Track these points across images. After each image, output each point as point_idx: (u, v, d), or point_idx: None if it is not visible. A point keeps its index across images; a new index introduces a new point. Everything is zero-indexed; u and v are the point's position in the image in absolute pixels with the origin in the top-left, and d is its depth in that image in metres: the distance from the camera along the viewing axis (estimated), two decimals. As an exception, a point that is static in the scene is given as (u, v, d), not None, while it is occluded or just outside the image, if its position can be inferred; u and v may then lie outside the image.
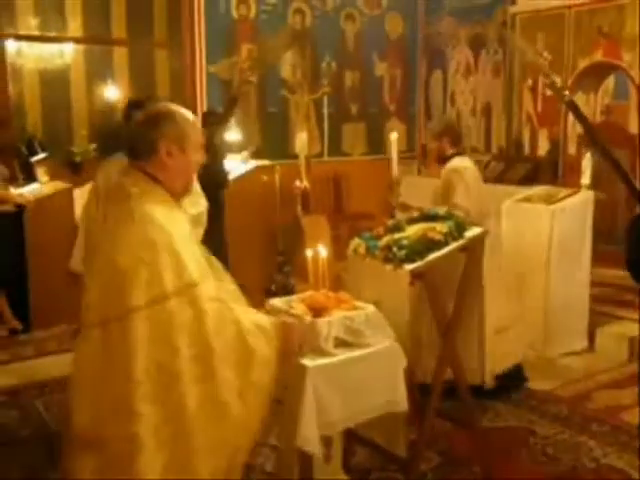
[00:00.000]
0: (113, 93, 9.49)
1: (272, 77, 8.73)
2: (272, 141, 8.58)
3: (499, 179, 8.21)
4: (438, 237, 3.38)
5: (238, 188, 6.64)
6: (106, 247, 2.28)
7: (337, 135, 9.24)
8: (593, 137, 4.17)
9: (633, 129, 7.29)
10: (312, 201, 7.26)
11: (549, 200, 5.66)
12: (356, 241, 3.78)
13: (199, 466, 2.20)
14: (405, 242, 3.44)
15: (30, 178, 6.88)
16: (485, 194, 4.96)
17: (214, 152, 7.03)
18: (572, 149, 7.91)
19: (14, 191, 6.39)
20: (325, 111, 8.85)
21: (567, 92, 3.94)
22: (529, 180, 7.74)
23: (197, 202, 3.83)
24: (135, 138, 2.39)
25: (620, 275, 4.50)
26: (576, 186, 6.20)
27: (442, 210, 3.71)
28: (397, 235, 3.59)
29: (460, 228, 3.47)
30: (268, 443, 3.53)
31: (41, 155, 7.24)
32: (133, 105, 7.29)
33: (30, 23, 8.73)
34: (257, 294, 5.83)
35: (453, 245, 3.38)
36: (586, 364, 5.44)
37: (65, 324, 5.81)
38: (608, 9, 7.27)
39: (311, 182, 7.08)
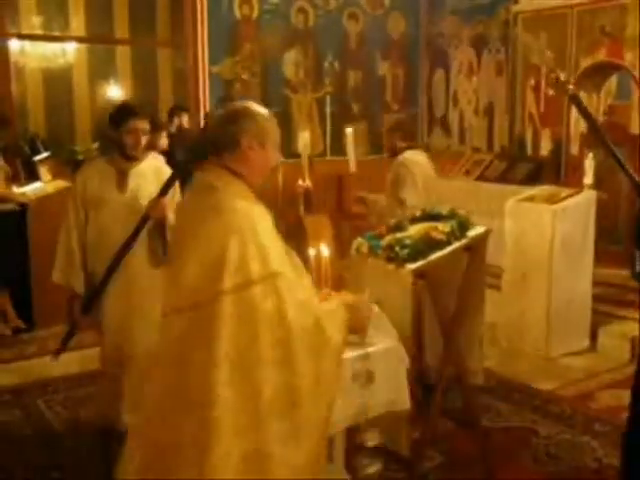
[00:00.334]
0: (115, 92, 9.52)
1: (275, 76, 8.73)
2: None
3: (501, 179, 8.20)
4: (440, 236, 3.39)
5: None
6: (194, 238, 2.33)
7: (339, 134, 9.23)
8: (597, 132, 4.20)
9: (635, 129, 7.27)
10: (315, 200, 7.26)
11: (551, 200, 5.66)
12: (359, 240, 3.78)
13: (274, 455, 2.23)
14: (408, 241, 3.44)
15: (33, 177, 6.89)
16: (431, 188, 5.19)
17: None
18: (575, 149, 7.90)
19: (17, 190, 6.40)
20: (327, 110, 8.85)
21: (571, 86, 3.93)
22: (531, 180, 7.74)
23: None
24: (217, 133, 2.47)
25: (622, 275, 4.51)
26: (578, 186, 6.20)
27: (445, 209, 3.72)
28: (399, 234, 3.60)
29: (462, 227, 3.48)
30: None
31: (44, 154, 7.25)
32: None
33: (33, 22, 8.75)
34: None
35: (455, 244, 3.38)
36: (588, 364, 5.44)
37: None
38: (611, 9, 7.26)
39: (314, 181, 7.07)
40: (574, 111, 7.79)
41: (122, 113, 3.82)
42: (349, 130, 4.57)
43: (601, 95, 7.94)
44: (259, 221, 2.37)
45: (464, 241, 3.41)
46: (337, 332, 2.43)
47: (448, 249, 3.35)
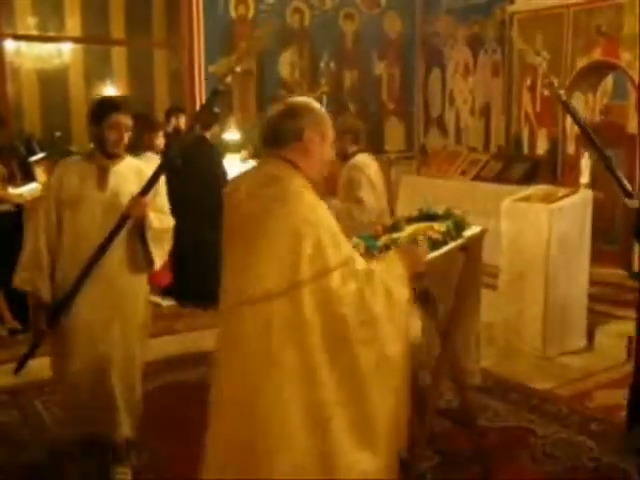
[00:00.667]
0: (112, 93, 9.50)
1: (270, 77, 8.73)
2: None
3: (498, 178, 8.21)
4: (436, 236, 3.38)
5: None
6: (263, 229, 2.34)
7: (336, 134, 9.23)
8: (588, 137, 4.27)
9: (632, 129, 7.28)
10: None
11: (548, 199, 5.66)
12: (354, 240, 3.77)
13: (378, 419, 2.36)
14: (404, 242, 3.43)
15: (28, 178, 6.87)
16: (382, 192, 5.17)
17: (213, 151, 7.04)
18: (571, 149, 7.91)
19: (12, 191, 6.39)
20: (324, 110, 8.84)
21: (563, 92, 3.96)
22: (528, 179, 7.75)
23: (163, 219, 3.73)
24: (278, 127, 2.50)
25: (619, 274, 4.51)
26: (575, 185, 6.21)
27: (441, 209, 3.71)
28: (395, 235, 3.59)
29: (459, 227, 3.47)
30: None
31: (39, 155, 7.23)
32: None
33: (28, 23, 8.74)
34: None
35: (452, 244, 3.38)
36: (585, 363, 5.45)
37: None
38: (607, 8, 7.27)
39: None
40: (570, 111, 7.80)
41: (104, 107, 3.62)
42: None
43: (597, 95, 7.95)
44: (325, 209, 2.43)
45: (460, 241, 3.41)
46: (402, 287, 2.50)
47: (444, 249, 3.34)
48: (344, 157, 5.19)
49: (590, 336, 5.74)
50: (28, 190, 6.55)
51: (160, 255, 3.69)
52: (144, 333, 3.80)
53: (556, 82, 3.94)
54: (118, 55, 9.60)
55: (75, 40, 9.15)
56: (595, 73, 7.73)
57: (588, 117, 7.90)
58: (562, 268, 5.54)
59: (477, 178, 8.53)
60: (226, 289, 2.49)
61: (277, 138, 2.49)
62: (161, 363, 5.41)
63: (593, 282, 5.88)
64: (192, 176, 6.80)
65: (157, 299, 7.12)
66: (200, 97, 8.19)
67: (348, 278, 2.33)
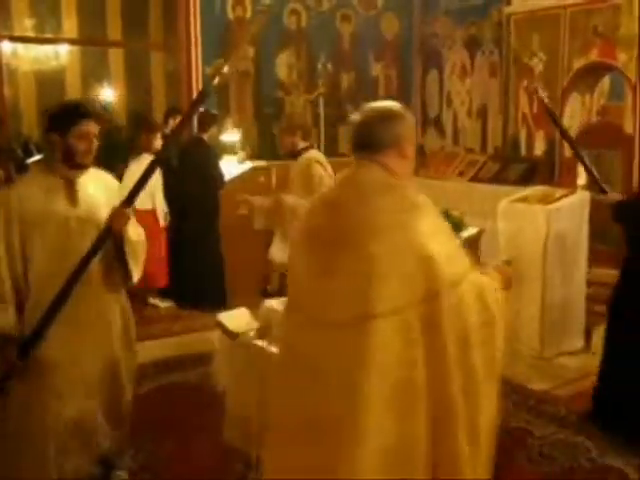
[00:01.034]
0: (109, 94, 9.50)
1: (268, 78, 8.73)
2: (268, 142, 8.57)
3: (495, 179, 8.22)
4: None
5: (234, 189, 6.63)
6: (387, 238, 2.26)
7: (333, 136, 9.24)
8: (570, 142, 4.40)
9: (629, 129, 7.29)
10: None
11: (545, 200, 5.66)
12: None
13: (483, 424, 2.37)
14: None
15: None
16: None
17: (210, 152, 7.04)
18: (568, 150, 7.91)
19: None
20: (321, 112, 8.85)
21: (546, 99, 4.05)
22: (525, 180, 7.75)
23: (139, 231, 3.51)
24: (374, 131, 2.43)
25: (617, 275, 4.51)
26: (572, 186, 6.21)
27: (439, 210, 3.71)
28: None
29: (456, 228, 3.48)
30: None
31: (37, 157, 7.22)
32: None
33: (25, 24, 8.73)
34: (253, 295, 5.82)
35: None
36: (583, 364, 5.44)
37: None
38: (603, 9, 7.28)
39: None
40: (567, 112, 7.82)
41: (71, 114, 3.25)
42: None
43: (594, 96, 7.97)
44: (440, 216, 2.44)
45: (458, 242, 3.41)
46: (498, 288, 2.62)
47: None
48: (293, 153, 5.17)
49: (588, 337, 5.74)
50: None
51: (138, 270, 3.45)
52: (127, 340, 3.53)
53: (540, 90, 4.04)
54: (115, 57, 9.59)
55: (72, 42, 9.14)
56: (592, 74, 7.74)
57: (585, 118, 7.92)
58: (559, 269, 5.54)
59: (474, 179, 8.55)
60: (319, 298, 2.34)
61: (373, 143, 2.42)
62: (159, 365, 5.41)
63: (591, 283, 5.88)
64: (189, 177, 6.80)
65: (155, 301, 7.12)
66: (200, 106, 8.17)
67: (473, 281, 2.37)
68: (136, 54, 9.69)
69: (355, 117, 2.48)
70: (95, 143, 3.30)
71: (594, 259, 5.95)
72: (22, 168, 7.00)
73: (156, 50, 9.59)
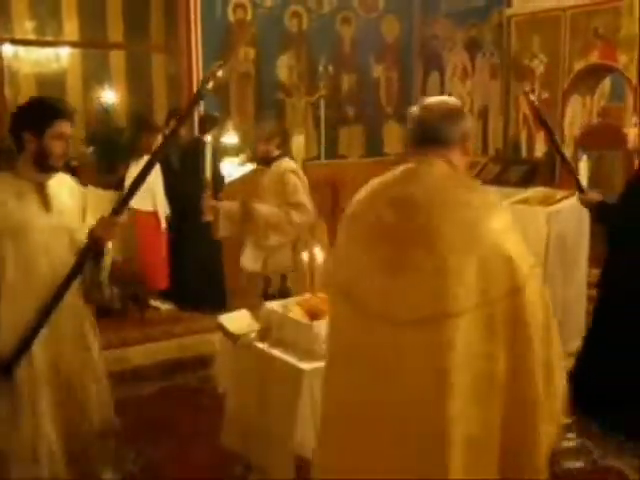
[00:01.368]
0: (110, 97, 9.51)
1: (269, 80, 8.74)
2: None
3: (496, 181, 8.21)
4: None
5: (235, 190, 6.63)
6: (474, 236, 2.26)
7: (334, 138, 9.25)
8: (554, 144, 4.46)
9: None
10: (309, 204, 7.25)
11: (546, 202, 5.67)
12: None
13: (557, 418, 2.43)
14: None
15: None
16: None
17: (211, 155, 7.03)
18: (569, 151, 7.91)
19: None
20: (322, 114, 8.86)
21: (534, 99, 4.09)
22: (526, 182, 7.75)
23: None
24: (441, 128, 2.41)
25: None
26: (573, 188, 6.19)
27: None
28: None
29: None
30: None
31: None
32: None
33: (26, 27, 8.74)
34: (254, 297, 5.81)
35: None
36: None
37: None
38: (604, 11, 7.28)
39: (308, 185, 7.07)
40: (568, 113, 7.82)
41: (48, 113, 3.00)
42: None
43: (595, 97, 7.97)
44: None
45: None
46: None
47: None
48: (267, 161, 5.10)
49: (588, 338, 5.73)
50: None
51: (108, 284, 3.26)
52: (82, 342, 3.21)
53: (528, 90, 4.12)
54: (116, 59, 9.60)
55: (73, 44, 9.15)
56: (593, 75, 7.74)
57: (586, 119, 7.92)
58: (560, 270, 5.54)
59: (475, 181, 8.54)
60: (390, 293, 2.30)
61: (441, 139, 2.41)
62: (160, 367, 5.42)
63: (591, 284, 5.87)
64: (190, 179, 6.80)
65: (156, 303, 7.12)
66: (198, 105, 8.17)
67: (537, 279, 2.42)
68: (137, 56, 9.69)
69: (416, 112, 2.45)
70: (69, 145, 3.07)
71: (595, 260, 5.94)
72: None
73: (157, 52, 9.59)
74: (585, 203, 4.55)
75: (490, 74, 8.93)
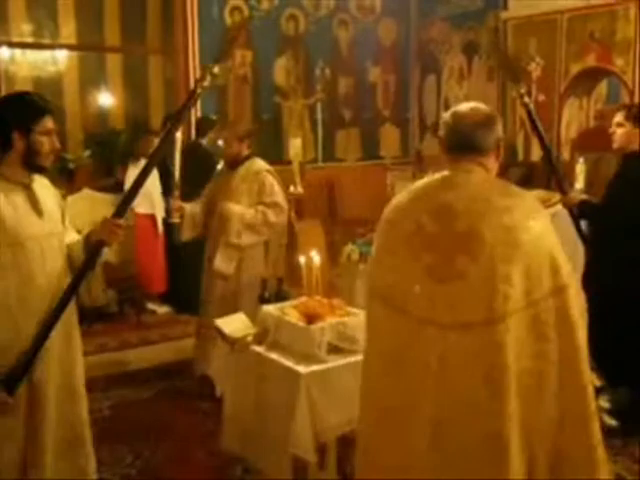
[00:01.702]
0: (107, 100, 9.50)
1: (266, 83, 8.74)
2: (266, 147, 8.56)
3: (493, 184, 8.22)
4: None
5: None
6: (510, 238, 2.30)
7: (331, 141, 9.25)
8: (542, 142, 4.49)
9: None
10: (306, 207, 7.27)
11: (542, 204, 5.66)
12: (349, 247, 3.79)
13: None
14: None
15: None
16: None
17: (208, 158, 7.04)
18: (566, 154, 7.94)
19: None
20: (319, 117, 8.87)
21: (527, 99, 4.12)
22: (523, 185, 7.62)
23: None
24: (478, 135, 2.48)
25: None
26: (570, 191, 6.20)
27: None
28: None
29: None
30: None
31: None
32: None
33: (23, 30, 8.73)
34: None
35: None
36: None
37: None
38: (600, 15, 7.30)
39: (305, 188, 7.08)
40: (565, 116, 7.84)
41: (32, 110, 2.82)
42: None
43: (591, 100, 7.99)
44: None
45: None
46: None
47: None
48: (237, 161, 5.07)
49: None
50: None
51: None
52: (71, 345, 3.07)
53: (523, 91, 4.13)
54: (113, 62, 9.59)
55: (70, 47, 9.13)
56: (589, 78, 7.76)
57: (582, 122, 7.94)
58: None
59: (472, 184, 8.54)
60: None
61: (480, 146, 2.49)
62: (157, 370, 5.41)
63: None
64: (188, 183, 6.79)
65: (154, 306, 7.12)
66: (195, 104, 8.18)
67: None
68: (134, 60, 9.68)
69: (450, 119, 2.52)
70: (56, 142, 2.88)
71: (592, 263, 5.95)
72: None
73: (154, 56, 9.58)
74: (567, 204, 4.57)
75: (487, 77, 8.95)
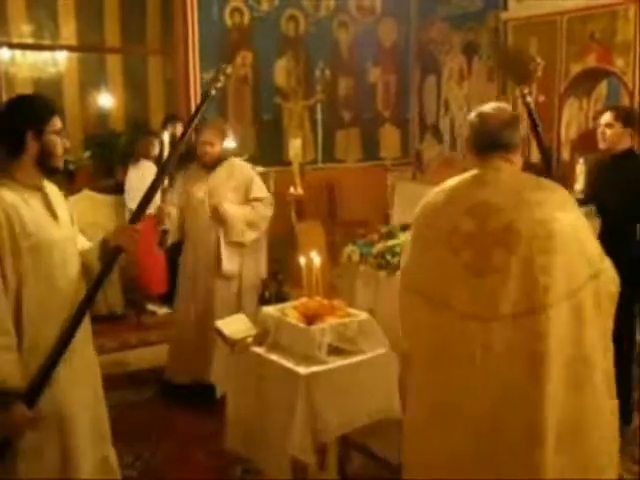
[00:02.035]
0: (107, 101, 9.52)
1: (266, 84, 8.74)
2: (266, 148, 8.59)
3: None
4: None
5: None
6: (546, 230, 2.38)
7: (331, 142, 9.25)
8: (539, 140, 4.48)
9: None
10: (306, 208, 7.26)
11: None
12: (350, 248, 3.79)
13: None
14: (398, 249, 3.44)
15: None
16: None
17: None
18: (565, 154, 7.93)
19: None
20: (319, 118, 8.86)
21: (529, 99, 4.13)
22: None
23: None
24: (506, 134, 2.59)
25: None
26: (569, 191, 6.20)
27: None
28: (390, 242, 3.60)
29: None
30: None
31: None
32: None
33: (23, 31, 8.75)
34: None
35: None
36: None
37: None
38: (600, 15, 7.29)
39: (305, 189, 7.08)
40: (565, 117, 7.84)
41: (44, 110, 2.76)
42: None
43: (591, 101, 7.99)
44: None
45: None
46: None
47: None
48: (217, 161, 5.09)
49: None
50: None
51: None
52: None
53: (526, 92, 4.14)
54: (113, 63, 9.61)
55: (70, 48, 9.15)
56: (589, 79, 7.76)
57: (582, 122, 7.94)
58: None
59: (472, 184, 8.54)
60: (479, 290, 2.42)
61: (508, 144, 2.59)
62: (157, 371, 5.41)
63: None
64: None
65: (154, 307, 7.12)
66: (195, 104, 8.19)
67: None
68: (134, 61, 9.70)
69: (477, 120, 2.61)
70: (65, 143, 2.82)
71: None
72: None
73: (154, 56, 9.60)
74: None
75: (487, 77, 8.94)
